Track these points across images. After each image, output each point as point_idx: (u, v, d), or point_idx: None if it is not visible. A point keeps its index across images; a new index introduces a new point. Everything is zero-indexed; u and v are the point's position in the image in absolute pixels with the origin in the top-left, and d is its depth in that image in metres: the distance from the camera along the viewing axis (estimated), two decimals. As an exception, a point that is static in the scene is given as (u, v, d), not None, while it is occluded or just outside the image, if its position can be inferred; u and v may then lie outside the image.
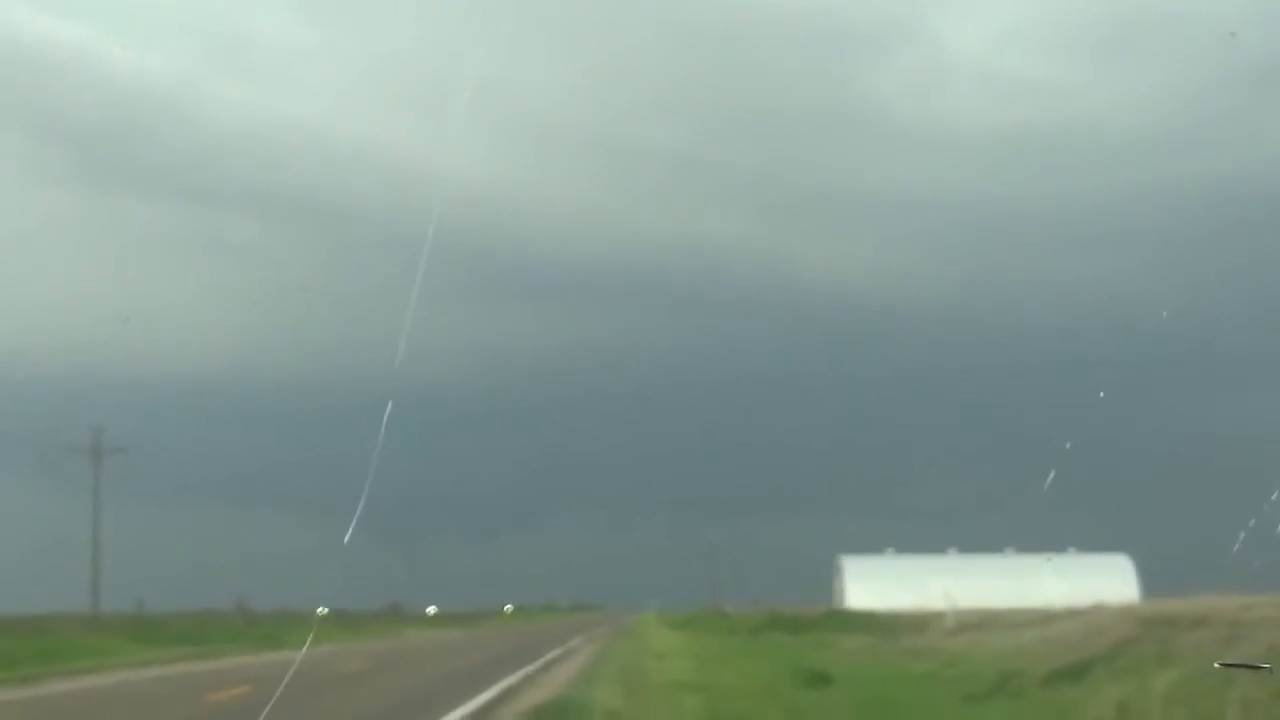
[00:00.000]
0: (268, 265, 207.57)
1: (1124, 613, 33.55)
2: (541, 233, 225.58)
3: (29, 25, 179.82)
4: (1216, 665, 17.00)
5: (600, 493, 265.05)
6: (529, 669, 40.29)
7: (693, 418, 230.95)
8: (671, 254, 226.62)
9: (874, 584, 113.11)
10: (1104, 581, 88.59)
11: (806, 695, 33.60)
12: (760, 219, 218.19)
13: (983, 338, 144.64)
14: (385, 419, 6.22)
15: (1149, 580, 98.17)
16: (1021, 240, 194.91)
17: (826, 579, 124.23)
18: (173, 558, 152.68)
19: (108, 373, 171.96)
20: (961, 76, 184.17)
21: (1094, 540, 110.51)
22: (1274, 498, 9.76)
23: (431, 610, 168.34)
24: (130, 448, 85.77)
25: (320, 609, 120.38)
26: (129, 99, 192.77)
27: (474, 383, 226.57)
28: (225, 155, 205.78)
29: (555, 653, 53.25)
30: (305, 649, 62.32)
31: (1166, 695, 22.61)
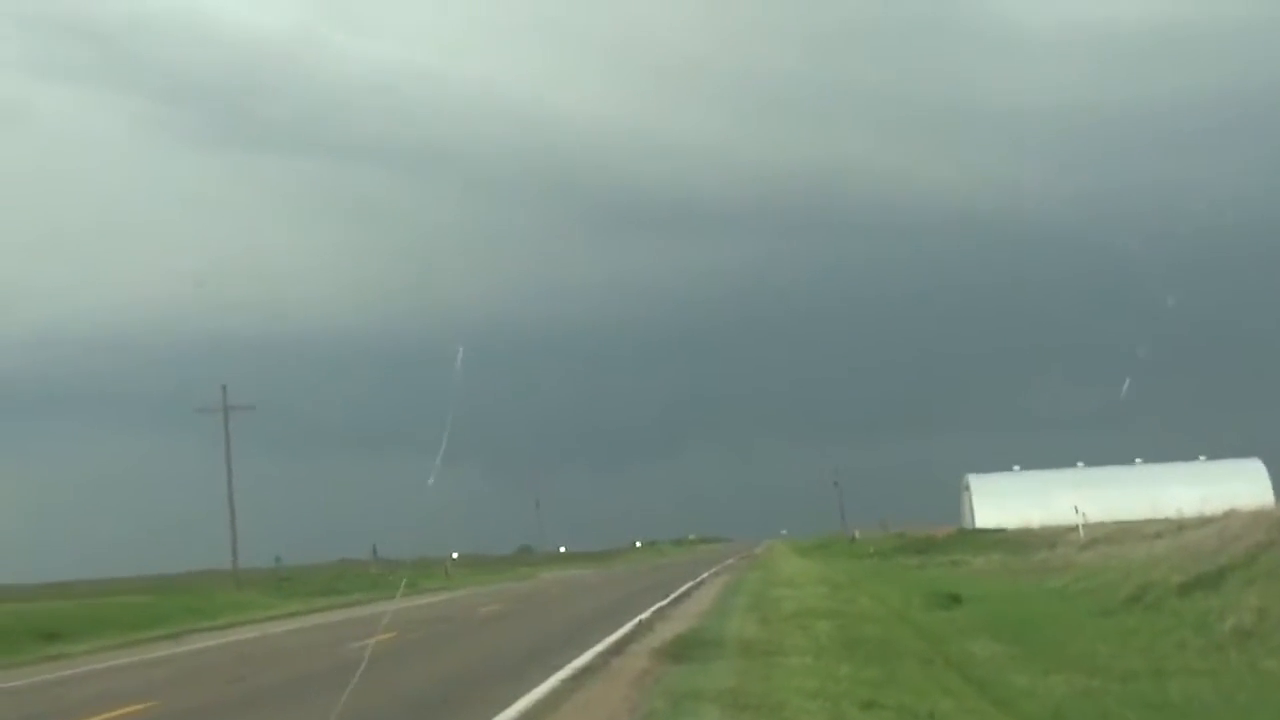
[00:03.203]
0: (394, 216, 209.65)
1: (1258, 517, 32.99)
2: (661, 165, 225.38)
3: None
4: None
5: (724, 425, 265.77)
6: (662, 603, 40.69)
7: (814, 343, 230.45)
8: (787, 179, 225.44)
9: (1002, 501, 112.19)
10: (1237, 487, 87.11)
11: (938, 616, 33.66)
12: (877, 138, 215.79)
13: (1102, 245, 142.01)
14: (458, 360, 6.31)
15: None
16: (1140, 143, 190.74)
17: (954, 499, 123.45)
18: (307, 511, 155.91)
19: (240, 333, 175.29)
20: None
21: (1226, 447, 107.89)
22: None
23: (562, 549, 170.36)
24: (259, 404, 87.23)
25: (453, 554, 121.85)
26: (250, 57, 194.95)
27: (600, 319, 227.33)
28: (347, 108, 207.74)
29: (688, 585, 53.66)
30: (442, 595, 63.47)
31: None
